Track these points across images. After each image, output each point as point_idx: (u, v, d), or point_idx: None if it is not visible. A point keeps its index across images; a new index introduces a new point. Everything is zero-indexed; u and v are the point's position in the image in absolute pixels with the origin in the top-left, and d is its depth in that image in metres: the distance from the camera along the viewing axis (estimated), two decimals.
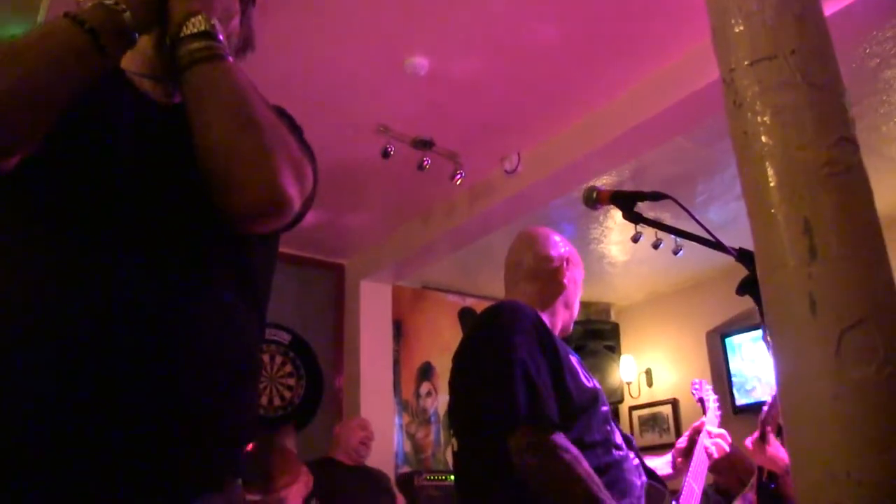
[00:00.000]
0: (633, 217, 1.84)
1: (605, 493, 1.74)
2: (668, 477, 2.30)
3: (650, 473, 2.11)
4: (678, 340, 6.88)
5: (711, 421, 2.48)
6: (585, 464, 1.76)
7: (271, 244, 1.38)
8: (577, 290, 2.29)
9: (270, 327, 5.60)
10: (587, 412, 1.93)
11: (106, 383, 1.01)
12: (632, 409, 7.08)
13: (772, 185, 0.96)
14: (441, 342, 6.48)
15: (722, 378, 6.42)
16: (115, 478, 1.02)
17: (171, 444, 1.06)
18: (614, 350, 6.94)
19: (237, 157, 1.08)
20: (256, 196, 1.09)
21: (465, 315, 6.69)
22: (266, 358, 5.56)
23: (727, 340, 6.53)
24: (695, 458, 2.30)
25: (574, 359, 2.06)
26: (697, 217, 1.74)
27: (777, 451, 3.91)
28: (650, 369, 7.07)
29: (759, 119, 0.99)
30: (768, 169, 0.96)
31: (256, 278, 1.30)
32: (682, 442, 2.38)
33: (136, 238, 1.10)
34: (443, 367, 6.42)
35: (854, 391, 0.87)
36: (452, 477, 5.31)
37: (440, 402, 6.35)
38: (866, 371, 0.86)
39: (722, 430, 2.44)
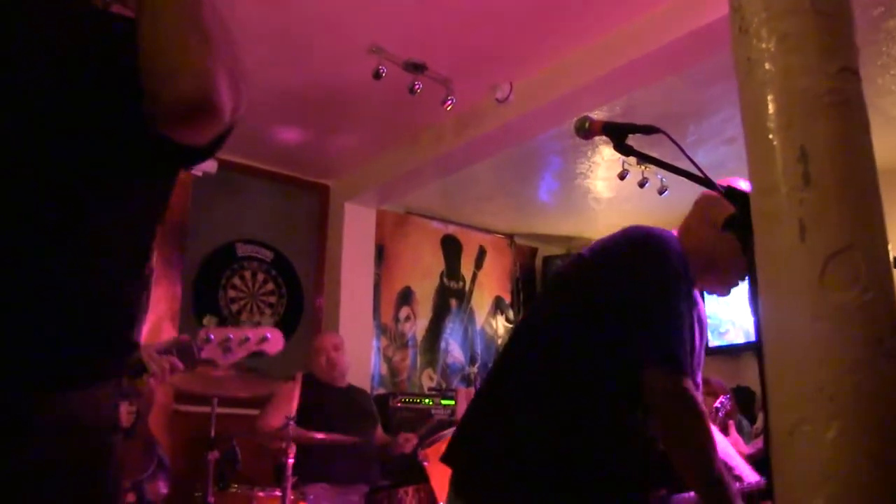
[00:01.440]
0: (623, 149, 1.84)
1: (717, 452, 1.79)
2: None
3: None
4: None
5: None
6: (709, 421, 1.83)
7: (166, 183, 1.34)
8: (741, 267, 1.99)
9: (253, 244, 5.62)
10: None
11: None
12: None
13: (771, 112, 0.98)
14: (422, 268, 6.53)
15: None
16: None
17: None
18: None
19: (178, 46, 1.07)
20: (188, 86, 1.06)
21: (448, 242, 6.73)
22: (248, 275, 5.58)
23: None
24: None
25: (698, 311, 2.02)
26: (700, 157, 1.75)
27: (736, 442, 4.39)
28: None
29: (763, 45, 1.01)
30: (769, 96, 0.98)
31: (138, 216, 1.27)
32: None
33: None
34: (423, 293, 6.48)
35: (834, 313, 0.91)
36: (428, 400, 5.45)
37: (418, 326, 6.43)
38: (847, 295, 0.90)
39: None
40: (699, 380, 2.02)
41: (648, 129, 1.77)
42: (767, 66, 1.00)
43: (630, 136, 1.86)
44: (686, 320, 1.89)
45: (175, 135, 1.14)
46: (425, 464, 3.70)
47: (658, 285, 1.95)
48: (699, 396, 1.84)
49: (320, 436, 3.57)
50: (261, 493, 3.39)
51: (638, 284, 1.97)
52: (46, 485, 1.08)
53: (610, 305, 1.95)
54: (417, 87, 4.29)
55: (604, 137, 1.91)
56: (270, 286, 5.69)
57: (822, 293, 0.93)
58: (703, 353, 2.03)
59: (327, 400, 4.36)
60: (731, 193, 1.52)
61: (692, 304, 1.95)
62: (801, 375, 0.95)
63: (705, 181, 1.61)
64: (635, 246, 2.03)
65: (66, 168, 1.13)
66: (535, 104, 4.43)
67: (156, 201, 1.29)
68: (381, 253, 6.26)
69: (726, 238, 2.00)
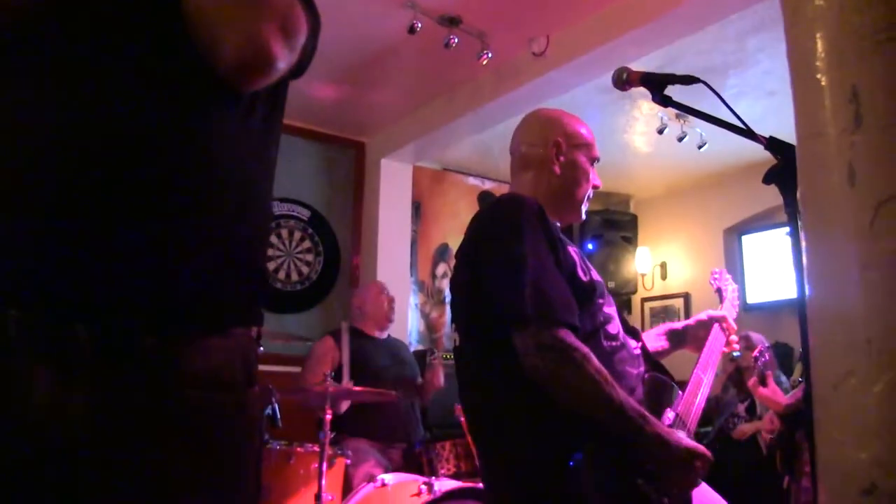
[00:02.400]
0: (662, 100, 1.79)
1: (616, 388, 1.73)
2: (662, 351, 2.28)
3: (654, 363, 2.09)
4: (695, 236, 6.88)
5: (728, 311, 2.40)
6: (595, 360, 1.74)
7: (276, 97, 1.32)
8: (581, 176, 2.11)
9: (289, 202, 5.63)
10: (578, 305, 1.85)
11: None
12: (644, 300, 7.14)
13: (820, 50, 0.93)
14: (459, 224, 6.50)
15: (736, 275, 6.49)
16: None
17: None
18: (631, 241, 6.95)
19: (218, 11, 1.07)
20: (233, 52, 1.07)
21: (484, 198, 6.69)
22: (284, 233, 5.60)
23: (744, 238, 6.56)
24: (707, 347, 2.22)
25: (573, 250, 1.98)
26: (739, 109, 1.71)
27: (774, 393, 4.49)
28: (665, 263, 7.10)
29: None
30: (818, 33, 0.93)
31: (259, 132, 1.26)
32: (700, 316, 2.33)
33: None
34: None
35: (885, 262, 0.87)
36: None
37: None
38: None
39: (733, 326, 2.35)
40: (610, 311, 1.98)
41: (688, 80, 1.72)
42: (818, 1, 0.94)
43: (669, 87, 1.82)
44: (545, 265, 1.82)
45: (234, 85, 1.14)
46: (461, 419, 3.71)
47: (494, 243, 1.91)
48: (575, 342, 1.74)
49: (358, 389, 3.58)
50: (300, 449, 3.42)
51: (478, 251, 1.94)
52: (182, 438, 1.06)
53: (470, 291, 1.94)
54: (453, 41, 4.23)
55: (642, 90, 1.87)
56: (307, 244, 5.71)
57: (872, 241, 0.88)
58: (601, 284, 2.00)
59: (371, 351, 4.34)
60: (774, 143, 1.48)
61: (556, 245, 1.89)
62: (848, 327, 0.91)
63: (746, 132, 1.56)
64: (467, 233, 2.03)
65: (171, 110, 1.11)
66: (572, 57, 4.34)
67: (265, 134, 1.28)
68: (417, 210, 6.24)
69: (549, 162, 2.08)
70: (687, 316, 6.78)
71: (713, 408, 5.28)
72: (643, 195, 7.29)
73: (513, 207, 1.93)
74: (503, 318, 1.80)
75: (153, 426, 1.04)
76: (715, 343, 2.26)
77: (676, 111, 1.88)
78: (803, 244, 1.00)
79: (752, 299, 6.26)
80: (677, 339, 2.33)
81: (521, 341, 1.75)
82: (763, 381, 4.45)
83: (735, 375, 5.36)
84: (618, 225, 6.89)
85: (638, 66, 4.58)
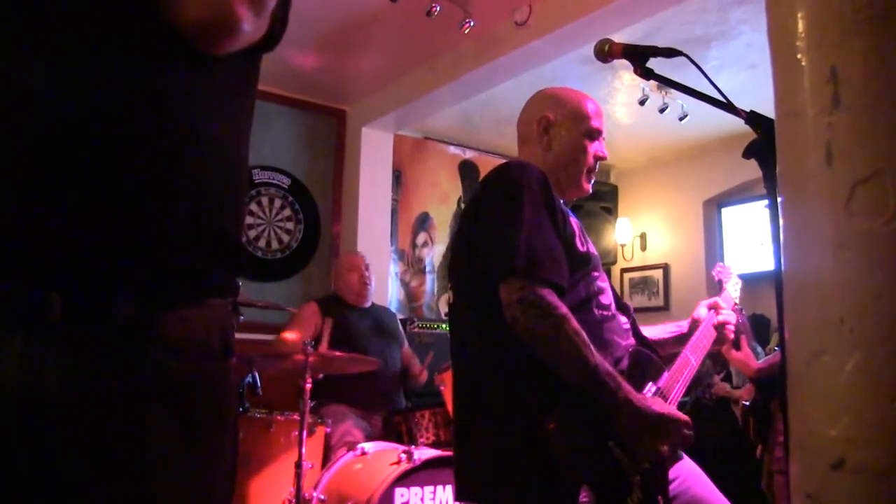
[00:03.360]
0: (644, 72, 1.80)
1: (592, 351, 1.76)
2: (660, 341, 2.28)
3: (643, 341, 2.13)
4: (675, 207, 6.91)
5: (727, 301, 2.40)
6: (574, 322, 1.77)
7: (247, 68, 1.30)
8: (575, 150, 2.12)
9: (269, 171, 5.59)
10: (573, 272, 1.91)
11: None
12: (623, 271, 7.18)
13: (800, 30, 0.93)
14: (440, 193, 6.50)
15: (715, 247, 6.55)
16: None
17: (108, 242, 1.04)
18: (611, 212, 6.98)
19: None
20: (197, 12, 1.05)
21: (466, 168, 6.68)
22: (265, 201, 5.57)
23: (723, 210, 6.61)
24: (699, 331, 2.24)
25: (574, 222, 2.03)
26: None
27: (747, 357, 4.59)
28: (645, 233, 7.14)
29: None
30: (799, 12, 0.93)
31: (234, 99, 1.24)
32: (698, 312, 2.33)
33: None
34: (440, 218, 6.47)
35: (860, 241, 0.88)
36: (445, 326, 5.47)
37: (436, 252, 6.43)
38: (875, 223, 0.86)
39: (731, 317, 2.35)
40: (604, 285, 2.02)
41: (670, 53, 1.73)
42: None
43: (651, 59, 1.82)
44: (541, 225, 1.86)
45: (198, 48, 1.11)
46: (441, 388, 3.75)
47: (495, 201, 1.96)
48: (556, 301, 1.78)
49: (339, 354, 3.58)
50: (280, 418, 3.44)
51: (479, 209, 2.00)
52: (158, 407, 1.05)
53: (468, 246, 2.00)
54: (435, 9, 4.20)
55: (624, 62, 1.87)
56: (287, 212, 5.68)
57: (847, 220, 0.89)
58: (597, 258, 2.04)
59: (354, 320, 4.34)
60: (754, 118, 1.49)
61: (556, 212, 1.93)
62: (822, 305, 0.92)
63: (727, 105, 1.57)
64: (473, 193, 2.07)
65: (138, 70, 1.08)
66: (555, 27, 4.31)
67: (240, 100, 1.25)
68: (398, 178, 6.23)
69: (540, 138, 2.12)
70: (666, 287, 6.83)
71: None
72: (624, 166, 7.31)
73: (517, 170, 1.98)
74: (493, 271, 1.85)
75: (128, 395, 1.03)
76: (707, 328, 2.28)
77: (658, 83, 1.88)
78: (781, 221, 1.01)
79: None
80: (680, 340, 2.32)
81: (506, 293, 1.79)
82: (737, 345, 4.50)
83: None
84: (598, 195, 6.90)
85: (620, 37, 4.56)
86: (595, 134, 2.15)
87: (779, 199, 1.03)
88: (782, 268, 1.02)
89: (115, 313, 1.03)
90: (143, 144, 1.08)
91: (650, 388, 1.96)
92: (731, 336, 2.33)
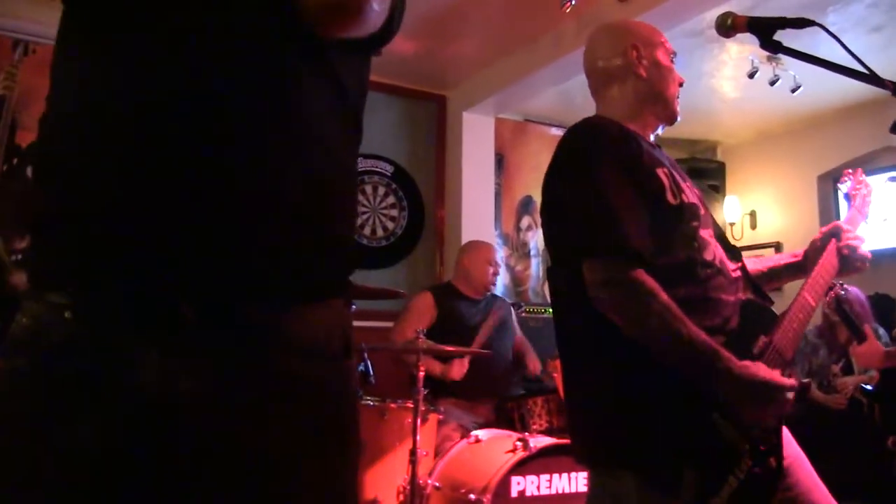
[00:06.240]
0: (771, 45, 1.71)
1: (685, 323, 1.69)
2: (770, 272, 2.17)
3: (755, 286, 2.00)
4: (786, 183, 6.65)
5: (854, 220, 2.16)
6: (663, 296, 1.70)
7: (362, 66, 1.29)
8: (666, 73, 2.04)
9: (372, 158, 5.63)
10: (665, 231, 1.82)
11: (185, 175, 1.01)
12: None
13: None
14: (542, 175, 6.36)
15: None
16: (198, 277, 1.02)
17: (255, 243, 1.04)
18: (718, 190, 6.78)
19: None
20: None
21: None
22: (369, 189, 5.62)
23: (840, 185, 6.32)
24: (819, 265, 2.02)
25: (663, 172, 1.88)
26: (829, 50, 1.61)
27: (871, 345, 3.78)
28: (755, 211, 6.90)
29: None
30: None
31: (347, 90, 1.22)
32: (816, 240, 2.13)
33: (205, 31, 1.05)
34: None
35: None
36: (551, 310, 5.41)
37: (539, 235, 6.36)
38: None
39: (858, 234, 2.12)
40: (706, 234, 1.89)
41: (801, 23, 1.64)
42: None
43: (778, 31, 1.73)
44: (620, 192, 1.77)
45: (326, 31, 1.11)
46: (554, 374, 3.70)
47: (570, 169, 1.89)
48: (641, 276, 1.70)
49: (449, 348, 3.58)
50: (393, 405, 3.45)
51: (556, 177, 1.93)
52: (286, 406, 1.06)
53: (552, 215, 1.96)
54: None
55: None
56: (391, 199, 5.72)
57: None
58: (694, 206, 1.90)
59: (467, 312, 4.30)
60: None
61: (639, 168, 1.84)
62: None
63: (870, 77, 1.48)
64: (556, 149, 1.97)
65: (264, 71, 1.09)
66: (659, 1, 4.19)
67: (354, 92, 1.25)
68: (500, 162, 6.19)
69: (633, 68, 2.02)
70: None
71: (805, 373, 4.98)
72: (731, 142, 7.07)
73: (590, 135, 1.91)
74: (574, 247, 1.82)
75: (259, 396, 1.04)
76: (828, 261, 2.05)
77: (769, 54, 1.79)
78: None
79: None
80: (795, 269, 2.19)
81: (589, 272, 1.75)
82: (860, 336, 3.84)
83: (827, 333, 5.05)
84: (704, 173, 6.71)
85: (729, 7, 4.40)
86: (674, 56, 2.09)
87: None
88: None
89: (242, 317, 1.04)
90: (269, 144, 1.07)
91: (760, 342, 1.84)
92: (860, 264, 2.10)
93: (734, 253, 2.00)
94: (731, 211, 6.85)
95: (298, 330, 1.08)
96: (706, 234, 1.90)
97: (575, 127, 1.97)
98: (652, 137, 2.06)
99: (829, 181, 6.38)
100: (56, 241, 1.05)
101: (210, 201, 1.02)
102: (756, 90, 5.54)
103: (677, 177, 1.92)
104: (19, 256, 3.35)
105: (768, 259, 2.22)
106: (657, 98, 2.04)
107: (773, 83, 5.31)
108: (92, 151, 1.03)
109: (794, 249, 6.40)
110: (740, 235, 6.93)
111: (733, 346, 1.75)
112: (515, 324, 4.57)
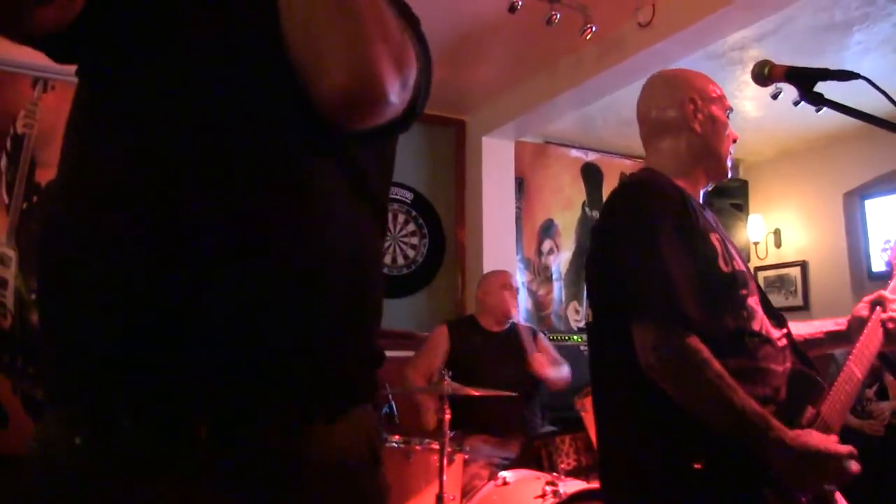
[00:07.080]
0: (813, 98, 1.66)
1: (737, 393, 1.65)
2: (814, 340, 2.10)
3: (800, 355, 1.95)
4: (811, 201, 6.56)
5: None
6: (715, 365, 1.66)
7: (385, 148, 1.25)
8: (721, 129, 2.00)
9: (392, 186, 5.57)
10: (716, 299, 1.78)
11: (187, 290, 0.95)
12: (758, 269, 6.87)
13: None
14: (563, 199, 6.38)
15: (858, 242, 6.18)
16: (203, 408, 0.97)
17: (268, 367, 0.99)
18: (741, 209, 6.69)
19: (326, 38, 0.97)
20: (345, 76, 0.97)
21: (588, 170, 6.52)
22: (389, 217, 5.56)
23: (867, 202, 6.22)
24: (864, 335, 1.98)
25: (716, 238, 1.86)
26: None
27: None
28: (779, 230, 6.81)
29: None
30: None
31: (371, 184, 1.16)
32: (861, 309, 2.07)
33: (212, 125, 1.01)
34: (565, 224, 6.34)
35: None
36: (576, 337, 5.33)
37: (562, 259, 6.31)
38: None
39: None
40: (753, 303, 1.85)
41: (846, 76, 1.58)
42: None
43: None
44: (677, 259, 1.73)
45: (341, 122, 1.05)
46: (582, 413, 3.64)
47: (626, 232, 1.84)
48: (692, 343, 1.66)
49: (476, 392, 3.51)
50: (418, 447, 3.39)
51: (609, 238, 1.91)
52: None
53: (603, 271, 1.92)
54: (555, 17, 4.08)
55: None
56: (412, 227, 5.68)
57: None
58: (745, 273, 1.87)
59: (484, 348, 4.22)
60: None
61: (694, 232, 1.80)
62: None
63: None
64: (602, 213, 1.97)
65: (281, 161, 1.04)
66: (681, 26, 4.13)
67: (377, 175, 1.20)
68: (520, 185, 6.13)
69: (689, 122, 1.96)
70: (804, 285, 6.50)
71: None
72: (753, 159, 6.99)
73: (650, 193, 1.86)
74: (626, 308, 1.77)
75: None
76: (873, 332, 2.00)
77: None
78: None
79: (877, 268, 5.95)
80: (838, 338, 2.13)
81: (640, 336, 1.71)
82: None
83: None
84: (726, 192, 6.61)
85: (751, 31, 4.35)
86: (730, 111, 2.06)
87: None
88: None
89: (262, 438, 0.99)
90: (292, 251, 1.01)
91: (808, 413, 1.80)
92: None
93: (779, 320, 1.96)
94: (755, 230, 6.76)
95: (321, 445, 1.03)
96: (753, 301, 1.87)
97: (632, 182, 1.94)
98: (702, 193, 2.03)
99: (855, 198, 6.29)
100: (66, 359, 1.01)
101: (234, 313, 0.97)
102: (779, 108, 5.47)
103: (728, 243, 1.89)
104: None
105: (811, 325, 2.16)
106: (710, 155, 2.00)
107: (796, 103, 5.23)
108: (95, 267, 0.98)
109: (821, 268, 6.27)
110: (765, 254, 6.84)
111: (782, 417, 1.71)
112: (533, 346, 4.46)
